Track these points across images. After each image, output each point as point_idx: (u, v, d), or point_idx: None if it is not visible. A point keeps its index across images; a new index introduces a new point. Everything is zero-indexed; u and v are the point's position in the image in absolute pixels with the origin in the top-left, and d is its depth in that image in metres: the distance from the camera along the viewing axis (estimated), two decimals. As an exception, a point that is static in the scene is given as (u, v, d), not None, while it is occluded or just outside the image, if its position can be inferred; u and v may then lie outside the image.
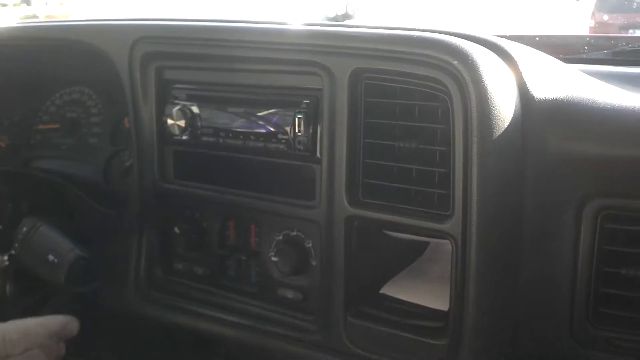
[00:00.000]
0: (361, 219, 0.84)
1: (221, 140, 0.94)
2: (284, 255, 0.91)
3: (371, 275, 0.90)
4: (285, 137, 0.88)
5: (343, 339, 0.87)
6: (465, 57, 0.76)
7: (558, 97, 0.82)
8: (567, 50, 1.34)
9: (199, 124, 0.96)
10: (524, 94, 0.80)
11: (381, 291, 0.90)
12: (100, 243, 1.03)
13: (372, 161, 0.83)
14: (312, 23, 0.96)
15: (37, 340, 0.84)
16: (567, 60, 1.00)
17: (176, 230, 1.01)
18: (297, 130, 0.87)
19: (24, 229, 0.95)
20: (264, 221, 0.95)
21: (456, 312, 0.78)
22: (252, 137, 0.91)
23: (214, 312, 0.97)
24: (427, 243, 0.97)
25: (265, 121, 0.90)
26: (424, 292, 0.88)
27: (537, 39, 1.40)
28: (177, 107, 0.95)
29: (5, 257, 0.97)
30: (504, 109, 0.76)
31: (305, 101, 0.87)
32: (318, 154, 0.87)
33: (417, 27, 0.87)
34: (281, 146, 0.89)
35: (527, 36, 1.37)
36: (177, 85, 0.98)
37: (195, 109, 0.96)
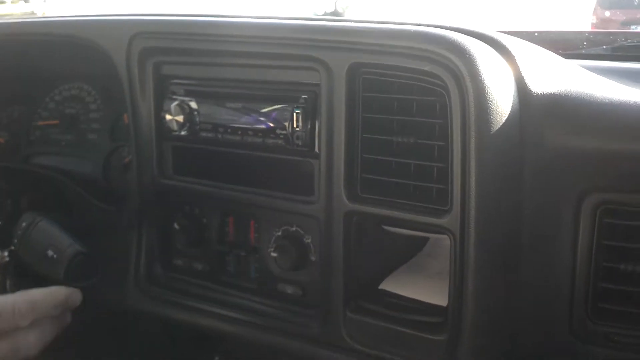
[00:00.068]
0: (360, 214, 0.84)
1: (220, 136, 0.94)
2: (283, 251, 0.91)
3: (370, 270, 0.90)
4: (284, 132, 0.88)
5: (342, 334, 0.87)
6: (463, 52, 0.76)
7: (556, 91, 0.82)
8: (566, 45, 1.34)
9: (197, 119, 0.95)
10: (522, 89, 0.80)
11: (380, 286, 0.90)
12: (100, 239, 1.03)
13: (371, 156, 0.83)
14: (310, 18, 0.96)
15: (44, 311, 0.85)
16: (566, 56, 1.00)
17: (175, 226, 1.01)
18: (295, 126, 0.87)
19: (23, 224, 0.95)
20: (263, 217, 0.95)
21: (455, 308, 0.78)
22: (250, 133, 0.91)
23: (214, 308, 0.98)
24: (427, 238, 0.97)
25: (263, 116, 0.90)
26: (423, 288, 0.88)
27: (536, 34, 1.40)
28: (176, 103, 0.95)
29: (6, 253, 0.97)
30: (502, 103, 0.76)
31: (303, 96, 0.87)
32: (316, 149, 0.86)
33: (415, 22, 0.87)
34: (279, 141, 0.89)
35: (526, 32, 1.37)
36: (175, 81, 0.98)
37: (193, 105, 0.95)
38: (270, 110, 0.90)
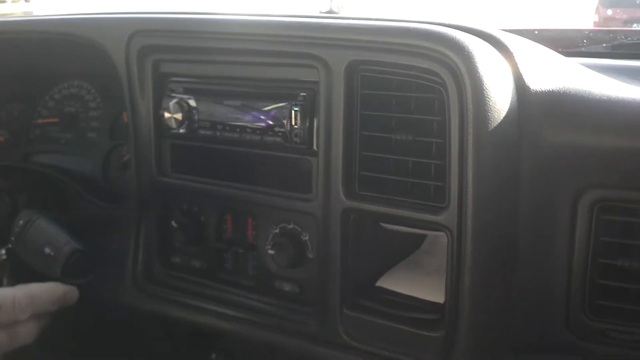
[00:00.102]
0: (358, 212, 0.84)
1: (218, 134, 0.94)
2: (280, 249, 0.91)
3: (368, 268, 0.90)
4: (282, 130, 0.88)
5: (339, 332, 0.87)
6: (461, 49, 0.76)
7: (555, 88, 0.82)
8: (566, 44, 1.34)
9: (196, 117, 0.95)
10: (520, 86, 0.80)
11: (377, 284, 0.90)
12: (99, 237, 1.03)
13: (369, 153, 0.83)
14: (308, 15, 0.96)
15: (43, 307, 0.85)
16: (566, 54, 1.00)
17: (173, 224, 1.01)
18: (293, 123, 0.87)
19: (21, 222, 0.95)
20: (260, 214, 0.95)
21: (452, 304, 0.78)
22: (248, 130, 0.91)
23: (212, 306, 0.97)
24: (424, 236, 0.97)
25: (262, 114, 0.90)
26: (421, 285, 0.88)
27: (536, 32, 1.40)
28: (174, 101, 0.95)
29: (3, 251, 0.97)
30: (500, 100, 0.76)
31: (301, 94, 0.87)
32: (315, 147, 0.86)
33: (413, 19, 0.87)
34: (278, 139, 0.89)
35: (526, 30, 1.37)
36: (174, 79, 0.98)
37: (192, 102, 0.95)
38: (268, 108, 0.89)
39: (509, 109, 0.77)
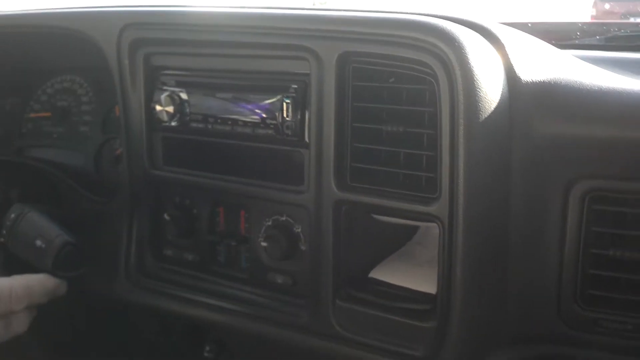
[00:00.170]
0: (349, 203, 0.84)
1: (210, 127, 0.94)
2: (273, 241, 0.91)
3: (360, 259, 0.90)
4: (274, 122, 0.88)
5: (332, 323, 0.87)
6: (452, 40, 0.75)
7: (546, 79, 0.82)
8: (560, 36, 1.34)
9: (187, 110, 0.95)
10: (511, 77, 0.80)
11: (370, 275, 0.90)
12: (91, 230, 1.03)
13: (360, 145, 0.83)
14: (299, 7, 0.96)
15: (37, 298, 0.86)
16: (560, 46, 1.00)
17: (166, 217, 1.01)
18: (285, 115, 0.87)
19: (12, 215, 0.95)
20: (253, 207, 0.95)
21: (444, 295, 0.78)
22: (240, 123, 0.91)
23: (205, 298, 0.97)
24: (417, 227, 0.97)
25: (253, 107, 0.90)
26: (413, 276, 0.88)
27: (530, 25, 1.40)
28: (166, 94, 0.95)
29: (-5, 245, 0.97)
30: (491, 91, 0.76)
31: (293, 86, 0.87)
32: (306, 139, 0.86)
33: (404, 11, 0.87)
34: (270, 131, 0.89)
35: (520, 23, 1.37)
36: (165, 72, 0.98)
37: (183, 95, 0.95)
38: (260, 101, 0.89)
39: (499, 99, 0.77)
